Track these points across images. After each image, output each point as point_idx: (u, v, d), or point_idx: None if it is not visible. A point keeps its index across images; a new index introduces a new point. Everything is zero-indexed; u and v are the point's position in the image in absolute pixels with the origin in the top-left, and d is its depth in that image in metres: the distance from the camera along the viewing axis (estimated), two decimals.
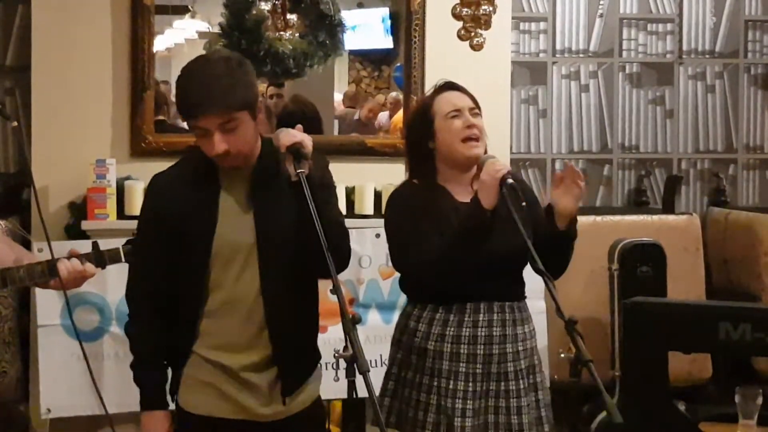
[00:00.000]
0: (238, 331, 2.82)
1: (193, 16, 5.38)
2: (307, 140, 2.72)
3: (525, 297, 3.24)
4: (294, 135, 2.73)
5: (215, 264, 2.79)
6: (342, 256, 2.84)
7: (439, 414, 3.10)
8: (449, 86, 3.20)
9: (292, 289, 2.86)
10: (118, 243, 3.10)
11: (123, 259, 3.06)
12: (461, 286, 3.09)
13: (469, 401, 3.09)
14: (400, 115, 5.31)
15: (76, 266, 2.94)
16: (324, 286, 2.96)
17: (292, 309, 2.86)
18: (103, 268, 2.99)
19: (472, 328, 3.11)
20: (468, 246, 2.99)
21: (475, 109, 3.16)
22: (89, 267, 2.95)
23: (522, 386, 3.13)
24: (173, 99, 5.21)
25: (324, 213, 2.67)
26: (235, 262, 2.79)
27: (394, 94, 5.49)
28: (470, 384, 3.10)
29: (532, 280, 3.10)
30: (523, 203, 2.88)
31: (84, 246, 3.12)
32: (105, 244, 3.09)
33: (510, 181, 2.91)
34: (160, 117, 5.11)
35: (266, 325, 2.82)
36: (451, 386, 3.10)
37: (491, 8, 5.16)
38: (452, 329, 3.12)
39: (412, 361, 3.17)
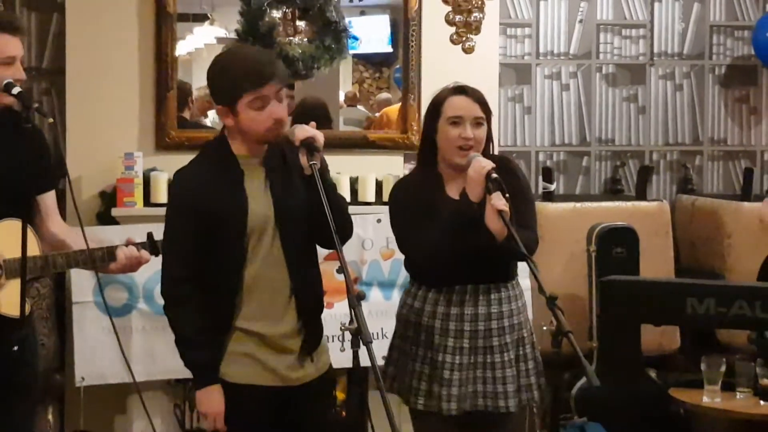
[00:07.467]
0: (271, 301, 2.86)
1: (211, 23, 5.37)
2: (319, 135, 2.79)
3: (513, 276, 3.24)
4: (308, 130, 2.79)
5: (251, 238, 2.82)
6: (346, 234, 2.93)
7: (431, 383, 3.14)
8: (461, 90, 3.13)
9: (307, 260, 2.93)
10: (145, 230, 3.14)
11: None
12: (451, 270, 3.11)
13: (455, 372, 3.11)
14: (395, 107, 5.32)
15: (134, 252, 2.97)
16: (331, 267, 3.00)
17: (310, 277, 2.93)
18: (157, 255, 3.02)
19: (460, 306, 3.13)
20: (459, 236, 3.00)
21: (480, 117, 3.09)
22: (144, 254, 2.99)
23: (506, 358, 3.14)
24: (193, 99, 5.27)
25: (333, 199, 2.75)
26: (266, 236, 2.83)
27: (384, 95, 5.53)
28: (457, 357, 3.12)
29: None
30: (506, 195, 2.89)
31: (114, 231, 3.16)
32: (134, 230, 3.12)
33: (494, 175, 2.91)
34: (184, 114, 5.12)
35: (292, 293, 2.86)
36: (439, 358, 3.12)
37: (481, 15, 5.15)
38: (442, 307, 3.14)
39: (409, 334, 3.22)
